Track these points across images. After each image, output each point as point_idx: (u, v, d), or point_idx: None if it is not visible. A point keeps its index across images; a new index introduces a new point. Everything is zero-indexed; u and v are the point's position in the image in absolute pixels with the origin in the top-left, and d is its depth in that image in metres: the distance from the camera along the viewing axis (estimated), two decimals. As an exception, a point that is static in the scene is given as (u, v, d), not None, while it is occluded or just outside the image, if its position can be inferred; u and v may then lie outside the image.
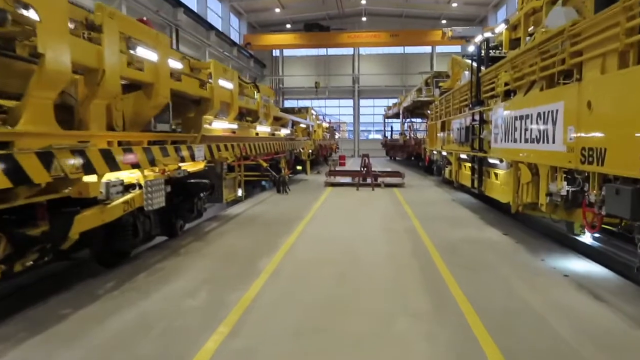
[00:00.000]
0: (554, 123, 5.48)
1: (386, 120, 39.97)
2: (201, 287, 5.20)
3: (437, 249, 6.85)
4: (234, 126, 9.43)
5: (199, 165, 7.54)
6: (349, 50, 45.89)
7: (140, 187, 5.68)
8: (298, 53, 46.83)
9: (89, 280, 5.41)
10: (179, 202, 7.06)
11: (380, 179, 16.29)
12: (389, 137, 38.95)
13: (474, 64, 9.85)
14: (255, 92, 11.10)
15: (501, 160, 7.88)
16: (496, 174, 8.41)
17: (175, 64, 6.61)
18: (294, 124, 17.83)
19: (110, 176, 5.06)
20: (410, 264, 6.16)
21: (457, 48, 43.20)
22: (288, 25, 41.74)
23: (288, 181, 14.86)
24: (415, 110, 31.61)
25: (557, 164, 5.60)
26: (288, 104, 42.69)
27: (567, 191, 5.43)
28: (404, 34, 37.02)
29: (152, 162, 5.61)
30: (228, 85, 8.63)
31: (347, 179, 16.97)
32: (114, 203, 5.10)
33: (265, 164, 14.64)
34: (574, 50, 5.18)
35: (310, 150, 22.14)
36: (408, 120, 29.96)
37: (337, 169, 20.99)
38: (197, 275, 5.64)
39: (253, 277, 5.53)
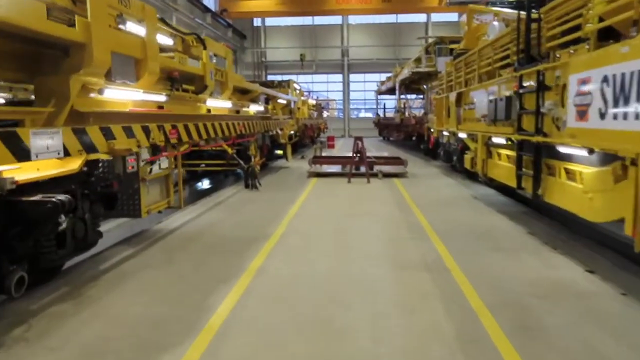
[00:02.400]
0: None
1: (379, 96, 36.56)
2: None
3: (501, 326, 3.63)
4: (157, 97, 6.08)
5: (69, 166, 4.22)
6: (337, 20, 42.04)
7: None
8: (282, 23, 42.87)
9: None
10: (10, 236, 3.77)
11: (376, 167, 13.04)
12: (382, 116, 35.61)
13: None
14: (201, 49, 7.71)
15: (590, 151, 4.65)
16: (574, 173, 5.18)
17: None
18: (270, 99, 14.44)
19: None
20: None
21: (454, 16, 39.74)
22: (270, -9, 37.75)
23: (259, 172, 11.56)
24: (412, 84, 28.27)
25: None
26: (272, 79, 39.00)
27: None
28: (396, 0, 33.32)
29: None
30: (133, 26, 5.25)
31: (336, 168, 13.70)
32: None
33: (230, 150, 11.36)
34: None
35: (292, 132, 18.75)
36: (405, 96, 26.59)
37: (324, 154, 17.68)
38: None
39: None
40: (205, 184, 14.65)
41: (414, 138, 23.55)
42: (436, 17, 40.64)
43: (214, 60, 9.19)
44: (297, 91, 22.04)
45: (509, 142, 7.39)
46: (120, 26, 5.05)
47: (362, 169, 12.64)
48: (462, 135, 10.54)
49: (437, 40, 20.83)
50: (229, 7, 34.71)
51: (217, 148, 11.74)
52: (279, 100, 16.39)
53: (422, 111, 32.20)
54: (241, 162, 11.42)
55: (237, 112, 10.76)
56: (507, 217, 7.61)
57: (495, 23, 8.67)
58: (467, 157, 9.89)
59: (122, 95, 5.38)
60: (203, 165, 13.29)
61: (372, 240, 6.22)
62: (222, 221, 7.59)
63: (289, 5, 34.47)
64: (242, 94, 11.95)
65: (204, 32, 31.21)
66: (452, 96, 11.20)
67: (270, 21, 42.96)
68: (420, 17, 41.23)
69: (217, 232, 6.85)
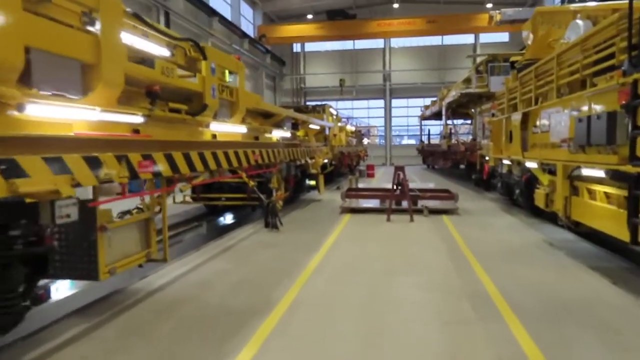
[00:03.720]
0: None
1: (423, 122, 34.52)
2: None
3: None
4: (128, 118, 4.49)
5: None
6: (378, 43, 40.61)
7: None
8: (322, 48, 41.90)
9: None
10: None
11: (421, 202, 11.05)
12: (426, 142, 33.46)
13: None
14: (201, 59, 6.16)
15: None
16: None
17: None
18: (300, 124, 12.82)
19: None
20: None
21: (504, 36, 37.54)
22: (309, 16, 36.86)
23: (281, 209, 9.82)
24: (459, 108, 26.16)
25: None
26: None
27: None
28: (442, 20, 31.52)
29: None
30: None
31: (374, 202, 11.80)
32: None
33: (251, 183, 9.76)
34: None
35: (326, 160, 17.05)
36: (452, 121, 24.47)
37: (362, 185, 15.81)
38: None
39: None
40: (227, 219, 13.10)
41: (462, 166, 21.29)
42: (485, 38, 38.51)
43: (230, 80, 7.69)
44: (334, 116, 20.44)
45: (611, 175, 5.32)
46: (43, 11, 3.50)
47: (404, 204, 10.70)
48: (530, 164, 8.45)
49: (489, 57, 18.81)
50: (267, 33, 34.02)
51: (237, 180, 10.23)
52: (311, 126, 14.76)
53: (470, 137, 29.91)
54: (262, 196, 9.76)
55: (256, 138, 9.15)
56: (607, 279, 5.46)
57: (579, 21, 6.70)
58: (540, 192, 7.78)
59: (61, 114, 3.79)
60: (223, 199, 11.77)
61: (418, 324, 4.26)
62: (221, 278, 5.84)
63: (329, 29, 33.41)
64: (265, 118, 10.38)
65: (243, 58, 30.47)
66: (516, 117, 9.17)
67: (309, 47, 42.10)
68: (468, 39, 39.19)
69: (207, 298, 5.09)
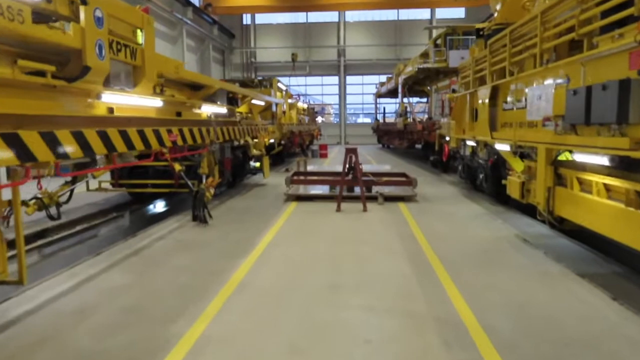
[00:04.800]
0: None
1: (378, 99, 33.39)
2: None
3: None
4: None
5: None
6: (333, 17, 38.86)
7: None
8: (273, 20, 39.69)
9: None
10: None
11: (376, 188, 9.80)
12: (381, 121, 32.40)
13: None
14: (78, 1, 4.49)
15: None
16: None
17: None
18: (239, 99, 11.17)
19: None
20: None
21: (460, 12, 36.75)
22: (260, -14, 34.58)
23: (211, 198, 8.27)
24: (415, 85, 25.11)
25: None
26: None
27: None
28: (399, -7, 30.22)
29: None
30: None
31: (323, 189, 10.45)
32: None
33: (178, 167, 8.18)
34: None
35: (272, 140, 15.52)
36: (408, 99, 23.36)
37: (312, 167, 14.41)
38: None
39: None
40: (159, 206, 11.41)
41: (418, 146, 20.28)
42: (441, 13, 37.57)
43: (142, 39, 6.01)
44: (283, 92, 18.83)
45: (613, 165, 4.15)
46: None
47: (357, 191, 9.42)
48: (500, 147, 7.29)
49: (448, 30, 17.65)
50: (213, 2, 31.57)
51: (165, 163, 8.65)
52: (255, 102, 13.13)
53: (426, 116, 29.04)
54: (189, 183, 8.20)
55: (179, 114, 7.52)
56: (605, 292, 4.35)
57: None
58: (513, 181, 6.64)
59: None
60: (149, 186, 10.09)
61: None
62: (108, 302, 4.31)
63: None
64: (193, 90, 8.71)
65: (185, 28, 28.15)
66: (483, 92, 7.98)
67: (260, 19, 39.78)
68: (424, 14, 38.10)
69: (75, 337, 3.57)
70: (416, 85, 25.07)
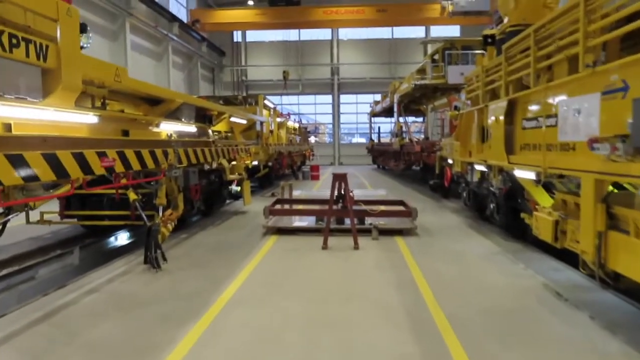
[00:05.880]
0: None
1: (372, 119, 32.21)
2: None
3: None
4: None
5: None
6: (326, 35, 37.92)
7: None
8: (265, 38, 38.69)
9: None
10: None
11: (369, 220, 8.40)
12: (376, 141, 31.15)
13: None
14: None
15: None
16: None
17: None
18: (213, 116, 9.78)
19: None
20: None
21: (455, 30, 35.95)
22: (250, 2, 33.60)
23: (167, 235, 6.82)
24: (411, 104, 23.92)
25: None
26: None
27: None
28: (393, 9, 29.19)
29: None
30: None
31: (308, 220, 9.03)
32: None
33: (134, 196, 6.85)
34: None
35: (256, 162, 14.14)
36: (405, 118, 22.11)
37: (297, 192, 12.99)
38: None
39: None
40: (121, 239, 9.91)
41: (416, 167, 18.92)
42: (436, 31, 36.74)
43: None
44: (271, 110, 17.52)
45: None
46: None
47: (347, 223, 8.02)
48: (523, 174, 5.92)
49: (445, 44, 16.48)
50: (201, 18, 30.52)
51: (123, 190, 7.35)
52: (234, 119, 11.77)
53: (422, 136, 27.80)
54: (144, 216, 6.79)
55: (126, 133, 6.13)
56: None
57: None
58: (542, 218, 5.23)
59: None
60: (106, 218, 8.64)
61: None
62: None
63: (271, 16, 30.37)
64: (153, 104, 7.34)
65: (170, 44, 26.98)
66: (496, 108, 6.65)
67: (251, 37, 38.78)
68: (419, 32, 37.26)
69: None
70: (412, 103, 23.90)
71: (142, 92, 6.45)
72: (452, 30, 35.92)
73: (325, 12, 29.58)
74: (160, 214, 6.84)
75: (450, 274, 5.87)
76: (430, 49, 26.25)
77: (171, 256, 6.81)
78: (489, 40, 7.98)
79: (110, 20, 21.36)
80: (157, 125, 7.08)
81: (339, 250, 7.18)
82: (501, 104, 6.43)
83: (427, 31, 37.01)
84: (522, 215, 6.64)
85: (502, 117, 6.35)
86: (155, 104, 7.33)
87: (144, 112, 7.26)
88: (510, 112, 6.28)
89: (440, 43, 17.13)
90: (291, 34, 37.70)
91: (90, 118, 5.12)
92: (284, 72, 29.80)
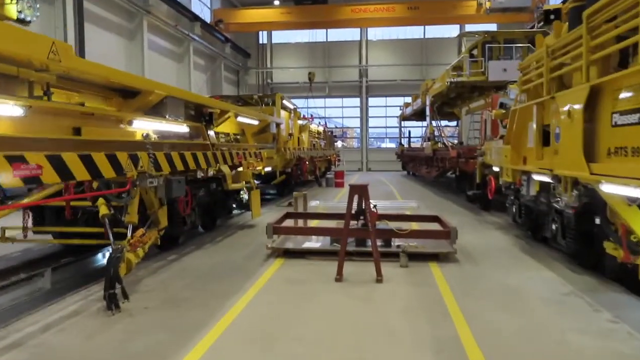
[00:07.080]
0: None
1: (402, 122, 30.42)
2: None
3: None
4: None
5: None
6: (354, 35, 36.36)
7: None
8: (291, 39, 37.45)
9: None
10: None
11: (397, 242, 6.78)
12: (406, 146, 29.34)
13: None
14: None
15: None
16: None
17: None
18: (215, 115, 8.34)
19: None
20: None
21: (492, 28, 33.64)
22: (276, 2, 32.39)
23: (134, 264, 5.38)
24: (444, 107, 22.04)
25: None
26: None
27: None
28: (425, 6, 27.44)
29: None
30: None
31: (322, 241, 7.45)
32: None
33: (105, 210, 5.52)
34: None
35: (269, 168, 12.67)
36: (438, 121, 20.26)
37: (313, 204, 11.44)
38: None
39: None
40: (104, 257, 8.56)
41: (451, 174, 17.10)
42: (470, 29, 34.63)
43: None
44: (291, 110, 16.06)
45: None
46: None
47: (369, 245, 6.40)
48: (613, 189, 4.20)
49: (486, 38, 14.67)
50: (225, 18, 29.48)
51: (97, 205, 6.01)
52: (244, 120, 10.33)
53: (456, 141, 25.82)
54: (111, 236, 5.40)
55: (77, 131, 4.72)
56: None
57: None
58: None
59: None
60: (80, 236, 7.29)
61: None
62: None
63: (296, 15, 29.09)
64: (127, 96, 5.93)
65: (192, 45, 25.97)
66: (570, 99, 4.93)
67: (277, 38, 37.61)
68: (452, 31, 35.23)
69: None
70: (445, 106, 22.00)
71: (101, 78, 5.01)
72: (488, 29, 33.75)
73: (354, 10, 28.07)
74: (129, 234, 5.41)
75: (509, 329, 4.19)
76: (466, 44, 24.27)
77: (142, 288, 5.37)
78: (552, 16, 6.26)
79: (127, 19, 20.43)
80: (130, 123, 5.66)
81: (357, 283, 5.59)
82: (578, 93, 4.71)
83: (461, 29, 34.91)
84: (606, 244, 4.89)
85: (580, 111, 4.63)
86: (131, 96, 5.92)
87: (117, 106, 5.87)
88: (591, 104, 4.56)
89: (479, 36, 15.31)
90: (318, 35, 36.33)
91: (9, 109, 3.71)
92: (310, 73, 28.36)
